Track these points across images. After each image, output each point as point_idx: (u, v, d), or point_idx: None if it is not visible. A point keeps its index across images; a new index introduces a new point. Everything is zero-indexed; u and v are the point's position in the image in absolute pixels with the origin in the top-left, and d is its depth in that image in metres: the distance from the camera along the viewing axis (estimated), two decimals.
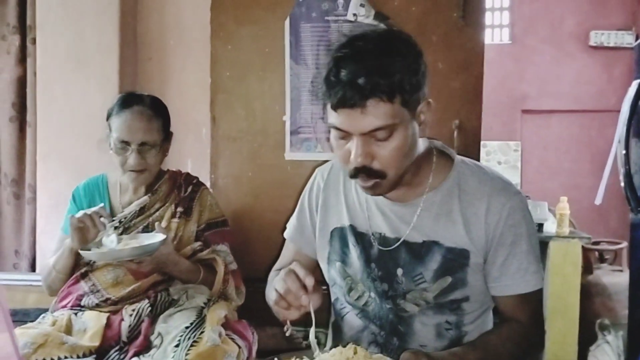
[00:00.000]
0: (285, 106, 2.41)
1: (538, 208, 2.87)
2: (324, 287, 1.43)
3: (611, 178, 1.61)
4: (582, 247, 2.88)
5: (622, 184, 1.60)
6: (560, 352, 2.74)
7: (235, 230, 2.14)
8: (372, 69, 1.03)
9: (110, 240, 1.63)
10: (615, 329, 2.77)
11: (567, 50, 4.47)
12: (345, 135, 1.10)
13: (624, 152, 1.57)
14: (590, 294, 3.13)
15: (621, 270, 3.34)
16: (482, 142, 4.41)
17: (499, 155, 4.50)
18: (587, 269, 3.29)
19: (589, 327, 2.86)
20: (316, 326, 1.13)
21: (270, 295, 1.15)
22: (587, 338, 2.84)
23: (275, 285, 1.12)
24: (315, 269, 1.40)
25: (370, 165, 1.10)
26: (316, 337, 1.14)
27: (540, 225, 2.87)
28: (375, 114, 1.05)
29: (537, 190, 3.97)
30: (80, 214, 1.64)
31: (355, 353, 1.03)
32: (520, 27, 4.49)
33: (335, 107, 1.07)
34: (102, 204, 1.73)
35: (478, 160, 2.25)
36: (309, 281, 1.08)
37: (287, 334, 1.14)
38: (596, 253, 3.63)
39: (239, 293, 1.90)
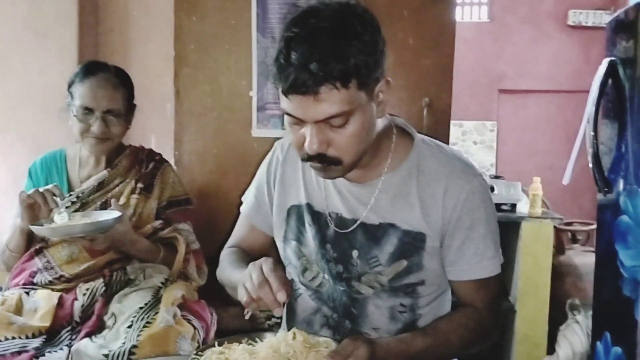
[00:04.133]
0: (252, 81, 2.35)
1: (511, 188, 2.87)
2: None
3: (584, 159, 1.59)
4: (555, 227, 2.89)
5: (590, 165, 1.57)
6: (531, 332, 2.77)
7: (200, 208, 2.10)
8: (326, 52, 0.96)
9: (60, 218, 1.59)
10: (585, 309, 2.80)
11: (545, 30, 4.43)
12: (299, 121, 1.04)
13: (592, 133, 1.53)
14: (561, 274, 3.15)
15: (593, 251, 3.35)
16: (458, 122, 4.43)
17: (475, 135, 4.48)
18: (559, 249, 3.31)
19: (560, 307, 2.90)
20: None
21: (241, 293, 1.07)
22: (557, 318, 2.88)
23: (245, 283, 1.05)
24: (270, 247, 1.36)
25: (325, 152, 1.04)
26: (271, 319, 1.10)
27: (514, 206, 2.87)
28: (330, 101, 0.98)
29: (513, 170, 3.96)
30: (31, 191, 1.60)
31: (294, 338, 0.99)
32: (499, 5, 4.45)
33: (286, 93, 1.00)
34: (56, 183, 1.69)
35: (448, 139, 2.20)
36: (281, 296, 1.01)
37: (246, 317, 1.10)
38: (569, 234, 3.66)
39: (200, 273, 1.87)
